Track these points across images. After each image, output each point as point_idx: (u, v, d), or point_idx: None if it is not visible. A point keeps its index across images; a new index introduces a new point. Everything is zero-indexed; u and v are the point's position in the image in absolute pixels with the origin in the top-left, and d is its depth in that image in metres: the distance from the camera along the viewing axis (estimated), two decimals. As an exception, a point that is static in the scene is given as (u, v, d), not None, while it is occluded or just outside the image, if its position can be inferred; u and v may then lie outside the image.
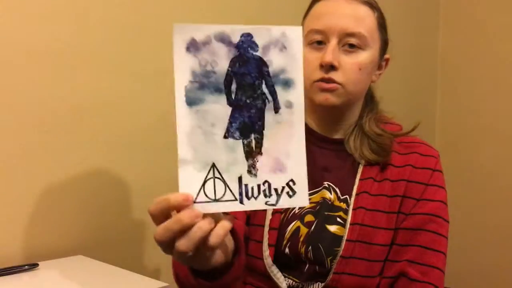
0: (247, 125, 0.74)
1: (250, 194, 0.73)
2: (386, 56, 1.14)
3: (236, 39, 0.73)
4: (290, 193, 0.74)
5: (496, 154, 2.38)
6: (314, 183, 1.09)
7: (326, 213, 1.06)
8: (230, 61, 0.73)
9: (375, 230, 1.03)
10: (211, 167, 0.73)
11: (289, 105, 0.74)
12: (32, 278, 1.27)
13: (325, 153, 1.11)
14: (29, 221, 1.43)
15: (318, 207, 1.07)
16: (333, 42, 1.03)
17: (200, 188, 0.72)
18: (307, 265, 1.05)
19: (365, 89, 1.11)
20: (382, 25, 1.10)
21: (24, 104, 1.40)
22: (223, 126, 0.73)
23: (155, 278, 1.38)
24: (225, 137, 0.73)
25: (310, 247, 1.05)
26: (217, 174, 0.73)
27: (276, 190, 0.74)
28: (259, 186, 0.74)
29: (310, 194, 1.08)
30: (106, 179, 1.57)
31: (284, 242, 1.06)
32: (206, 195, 0.72)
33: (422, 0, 2.51)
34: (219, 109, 0.73)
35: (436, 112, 2.58)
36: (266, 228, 1.07)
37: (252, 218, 1.10)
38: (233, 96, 0.74)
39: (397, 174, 1.06)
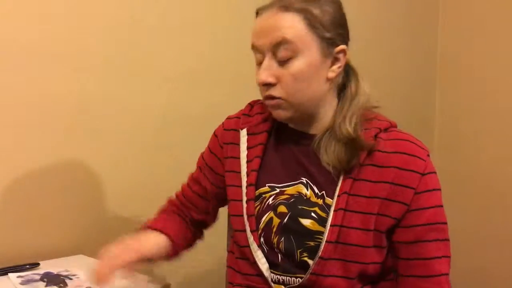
0: None
1: None
2: (339, 48, 1.06)
3: None
4: None
5: (495, 153, 2.38)
6: (290, 176, 1.11)
7: (300, 206, 1.08)
8: None
9: (350, 230, 1.03)
10: None
11: None
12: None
13: (303, 149, 1.11)
14: (30, 221, 1.43)
15: (292, 200, 1.09)
16: (267, 58, 1.04)
17: None
18: (280, 257, 1.08)
19: (314, 93, 1.07)
20: (315, 23, 1.03)
21: (24, 105, 1.40)
22: None
23: (155, 277, 1.38)
24: None
25: (282, 238, 1.07)
26: None
27: None
28: None
29: (285, 187, 1.10)
30: (107, 178, 1.57)
31: (259, 232, 1.09)
32: None
33: (421, 0, 2.51)
34: None
35: (435, 112, 2.58)
36: (245, 216, 1.10)
37: (231, 209, 1.15)
38: None
39: (379, 175, 1.04)
